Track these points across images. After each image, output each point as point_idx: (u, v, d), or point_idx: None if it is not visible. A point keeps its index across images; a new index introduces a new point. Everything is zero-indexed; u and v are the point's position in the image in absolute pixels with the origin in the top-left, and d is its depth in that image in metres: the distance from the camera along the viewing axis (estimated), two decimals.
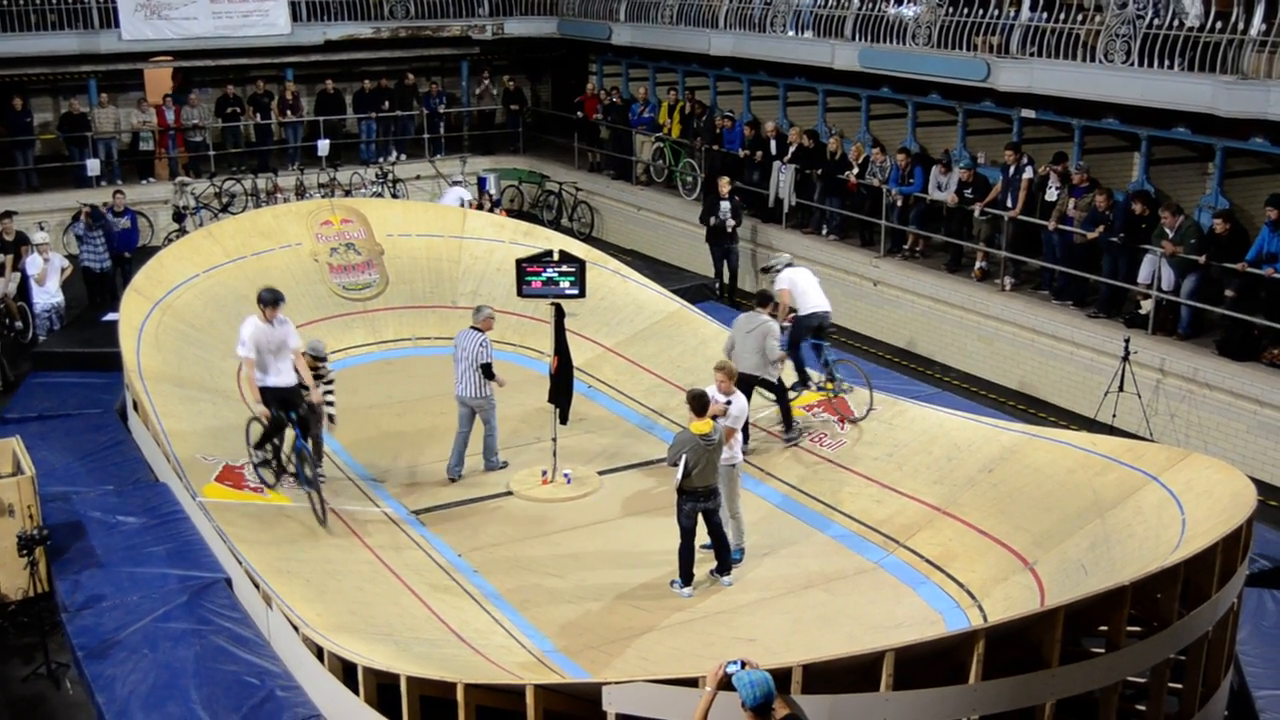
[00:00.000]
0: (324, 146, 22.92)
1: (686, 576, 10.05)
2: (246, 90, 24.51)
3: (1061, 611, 6.52)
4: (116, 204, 17.86)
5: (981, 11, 16.71)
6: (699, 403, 9.79)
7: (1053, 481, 10.11)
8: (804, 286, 13.04)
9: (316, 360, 11.80)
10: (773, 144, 19.60)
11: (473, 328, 12.07)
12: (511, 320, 15.16)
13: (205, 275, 15.23)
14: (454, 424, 13.59)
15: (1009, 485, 10.45)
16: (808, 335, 12.95)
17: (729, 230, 18.04)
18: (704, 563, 10.29)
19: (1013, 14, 16.39)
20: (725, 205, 17.94)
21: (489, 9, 26.04)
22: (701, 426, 9.68)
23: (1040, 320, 15.16)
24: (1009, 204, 16.01)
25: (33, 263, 16.15)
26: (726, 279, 18.60)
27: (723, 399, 10.27)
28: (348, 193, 22.11)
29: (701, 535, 10.09)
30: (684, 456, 9.66)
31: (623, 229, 22.99)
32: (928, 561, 10.30)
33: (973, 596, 9.67)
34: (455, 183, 21.47)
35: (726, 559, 10.26)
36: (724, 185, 18.03)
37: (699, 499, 9.81)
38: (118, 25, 22.38)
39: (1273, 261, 12.94)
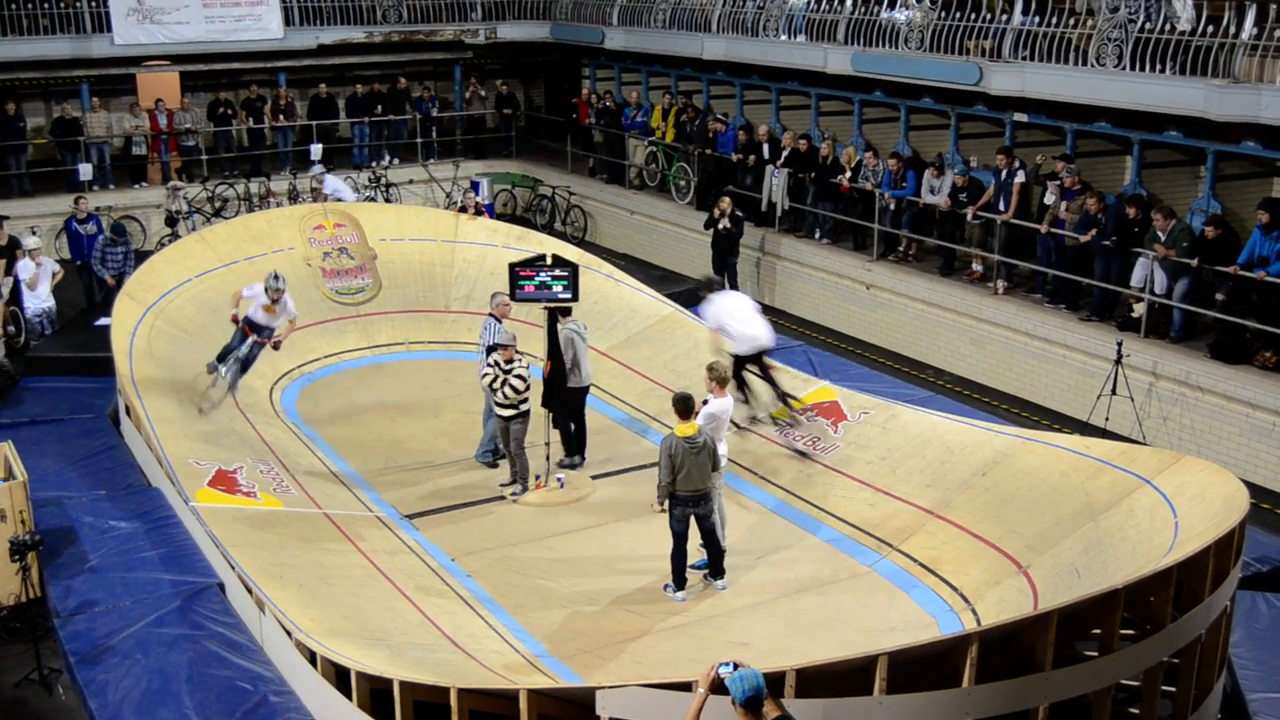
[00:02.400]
0: (317, 151, 22.89)
1: (679, 580, 10.04)
2: (239, 94, 24.50)
3: (1055, 615, 6.52)
4: (79, 211, 17.73)
5: (974, 16, 16.76)
6: (684, 405, 9.79)
7: (1046, 485, 10.11)
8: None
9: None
10: (765, 148, 19.62)
11: (489, 314, 12.45)
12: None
13: (198, 280, 15.21)
14: (446, 428, 13.64)
15: (1002, 489, 10.46)
16: None
17: (723, 233, 17.92)
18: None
19: (1005, 18, 16.43)
20: (725, 219, 17.86)
21: (482, 13, 26.05)
22: (686, 429, 9.68)
23: (1033, 324, 15.19)
24: (1001, 207, 16.04)
25: (24, 267, 16.10)
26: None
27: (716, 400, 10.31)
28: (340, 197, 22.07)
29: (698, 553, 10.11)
30: (669, 466, 9.65)
31: (616, 233, 23.00)
32: (921, 565, 10.30)
33: (966, 600, 9.67)
34: (323, 173, 21.27)
35: (719, 563, 10.25)
36: (725, 204, 17.92)
37: (689, 504, 9.79)
38: (110, 30, 22.37)
39: (1264, 265, 12.97)
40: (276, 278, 12.90)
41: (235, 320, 12.97)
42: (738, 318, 12.42)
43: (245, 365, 13.06)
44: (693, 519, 9.91)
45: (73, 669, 8.97)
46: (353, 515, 11.36)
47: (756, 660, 6.15)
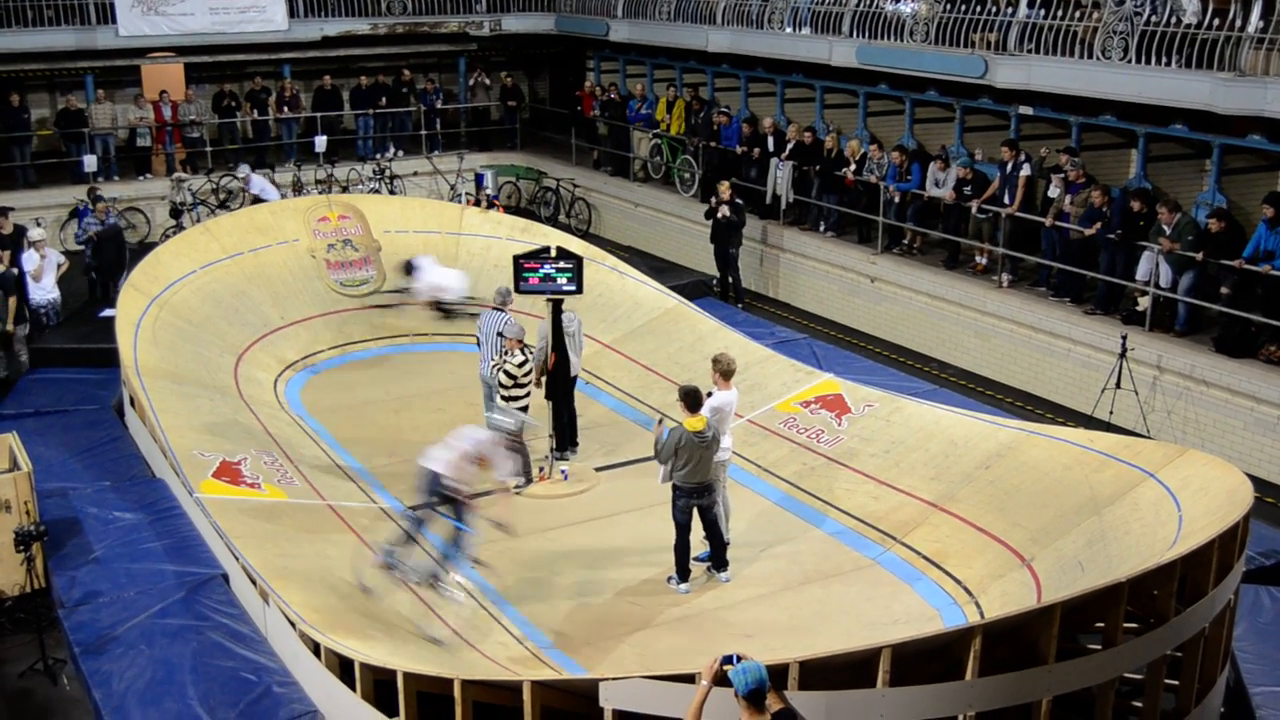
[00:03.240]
0: (321, 143, 22.90)
1: (683, 572, 10.05)
2: (243, 86, 24.49)
3: (1058, 608, 6.52)
4: (89, 202, 18.02)
5: (979, 8, 16.72)
6: (692, 399, 9.78)
7: (1050, 478, 10.11)
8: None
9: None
10: (770, 140, 19.59)
11: (494, 307, 12.40)
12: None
13: (202, 271, 15.23)
14: (452, 420, 13.61)
15: (1006, 482, 10.45)
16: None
17: (723, 222, 17.84)
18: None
19: (1010, 11, 16.39)
20: (725, 207, 17.81)
21: (486, 5, 26.02)
22: (695, 423, 9.68)
23: (1038, 317, 15.17)
24: (1006, 201, 16.02)
25: (29, 259, 16.11)
26: (732, 280, 18.45)
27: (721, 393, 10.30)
28: (345, 189, 22.10)
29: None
30: (673, 455, 9.65)
31: (620, 225, 22.98)
32: (924, 558, 10.30)
33: (969, 593, 9.68)
34: (249, 173, 21.19)
35: (723, 555, 10.26)
36: (724, 190, 17.89)
37: (693, 495, 9.80)
38: (115, 21, 22.39)
39: (1270, 258, 12.94)
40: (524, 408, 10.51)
41: (464, 495, 9.61)
42: (432, 273, 14.84)
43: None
44: (696, 510, 9.92)
45: (77, 659, 8.99)
46: (356, 507, 11.38)
47: (759, 652, 6.15)
